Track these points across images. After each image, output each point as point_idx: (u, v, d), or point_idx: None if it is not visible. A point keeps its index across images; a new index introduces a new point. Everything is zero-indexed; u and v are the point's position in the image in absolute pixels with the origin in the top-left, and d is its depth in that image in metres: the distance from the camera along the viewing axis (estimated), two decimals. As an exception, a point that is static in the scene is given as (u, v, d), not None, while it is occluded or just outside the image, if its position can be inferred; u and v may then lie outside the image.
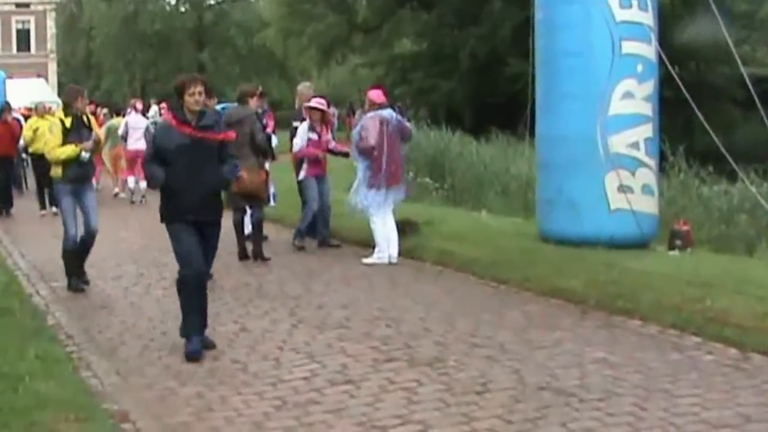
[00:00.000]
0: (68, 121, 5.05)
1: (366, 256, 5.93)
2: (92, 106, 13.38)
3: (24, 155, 12.21)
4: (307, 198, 6.47)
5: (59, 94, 25.55)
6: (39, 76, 27.56)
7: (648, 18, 5.81)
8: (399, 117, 6.20)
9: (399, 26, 21.14)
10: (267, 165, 6.34)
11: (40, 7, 36.94)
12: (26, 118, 13.62)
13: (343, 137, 14.66)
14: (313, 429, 2.93)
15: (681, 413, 2.97)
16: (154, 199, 11.67)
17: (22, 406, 2.98)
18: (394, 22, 20.97)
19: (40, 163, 9.53)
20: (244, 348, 3.84)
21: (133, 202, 10.43)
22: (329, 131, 6.58)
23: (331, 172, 7.28)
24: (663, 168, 6.87)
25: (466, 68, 18.75)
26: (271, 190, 6.63)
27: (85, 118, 5.16)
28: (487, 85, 17.93)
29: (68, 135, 5.02)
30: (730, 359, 3.58)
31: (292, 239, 6.55)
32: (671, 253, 5.60)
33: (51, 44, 36.76)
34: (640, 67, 5.69)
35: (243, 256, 6.15)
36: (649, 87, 5.76)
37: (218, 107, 6.25)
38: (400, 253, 5.91)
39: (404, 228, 6.18)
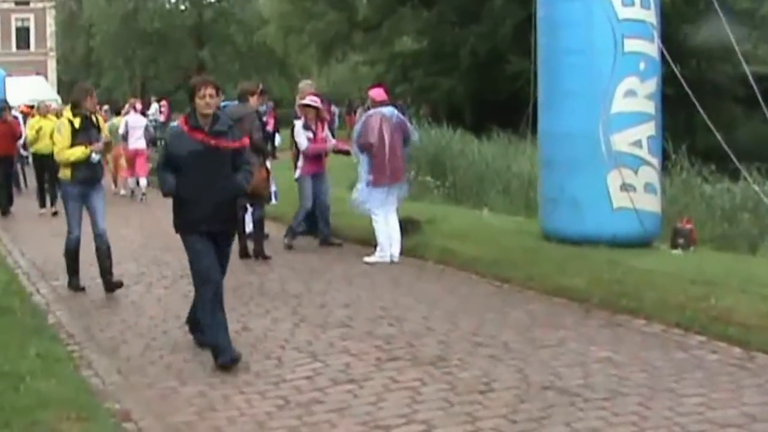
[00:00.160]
0: (77, 122, 4.93)
1: (368, 255, 5.91)
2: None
3: (23, 152, 12.19)
4: (300, 196, 6.45)
5: (59, 92, 25.57)
6: (38, 73, 27.53)
7: (650, 16, 5.79)
8: (400, 115, 6.18)
9: (399, 24, 21.08)
10: (268, 163, 6.32)
11: (40, 5, 36.87)
12: (26, 115, 13.62)
13: (343, 135, 14.65)
14: (316, 428, 2.92)
15: (686, 412, 2.96)
16: (154, 197, 11.71)
17: (23, 406, 2.97)
18: (395, 19, 20.91)
19: (42, 162, 9.54)
20: (246, 347, 3.82)
21: (132, 199, 10.41)
22: (324, 129, 6.55)
23: (332, 170, 7.26)
24: (665, 166, 6.84)
25: (467, 66, 18.71)
26: (273, 188, 6.60)
27: (93, 118, 5.05)
28: (487, 83, 17.89)
29: (77, 135, 4.91)
30: (734, 358, 3.56)
31: (283, 236, 6.53)
32: (674, 251, 5.58)
33: (50, 42, 36.70)
34: (642, 65, 5.66)
35: (244, 254, 6.13)
36: (652, 85, 5.74)
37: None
38: (401, 252, 5.89)
39: (406, 226, 6.16)
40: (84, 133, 4.92)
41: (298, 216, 6.49)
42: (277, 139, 6.94)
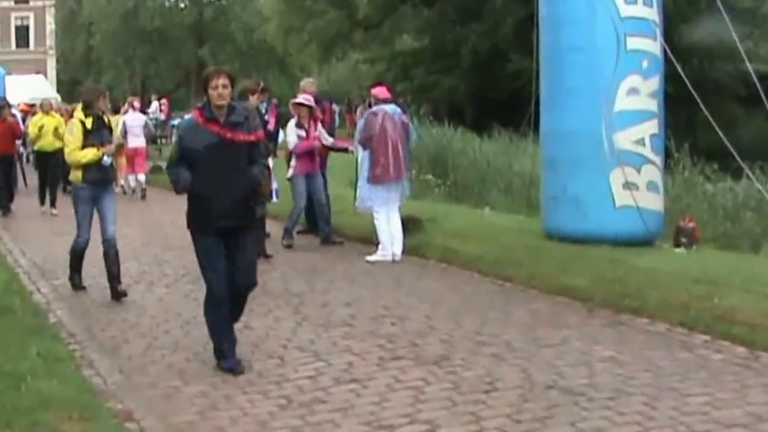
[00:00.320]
0: (89, 122, 4.79)
1: (369, 254, 5.89)
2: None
3: (23, 150, 12.15)
4: (293, 196, 6.43)
5: (58, 91, 25.53)
6: (38, 72, 27.49)
7: (653, 14, 5.77)
8: (402, 114, 6.16)
9: (400, 22, 21.04)
10: (270, 161, 6.29)
11: (39, 3, 36.83)
12: (25, 114, 13.59)
13: (343, 134, 14.63)
14: (320, 428, 2.90)
15: (691, 412, 2.94)
16: (154, 195, 11.68)
17: (24, 405, 2.95)
18: (395, 18, 20.88)
19: (44, 159, 9.51)
20: (248, 346, 3.80)
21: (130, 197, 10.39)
22: (317, 128, 6.52)
23: (333, 168, 7.25)
24: (668, 165, 6.83)
25: (468, 64, 18.68)
26: (274, 186, 6.58)
27: (105, 119, 4.93)
28: (488, 82, 17.87)
29: (89, 136, 4.77)
30: (739, 358, 3.55)
31: (281, 239, 6.51)
32: (677, 250, 5.57)
33: (50, 40, 36.66)
34: (645, 63, 5.64)
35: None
36: (655, 83, 5.72)
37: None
38: (403, 251, 5.87)
39: (408, 225, 6.15)
40: (96, 133, 4.80)
41: (293, 216, 6.47)
42: (280, 136, 6.91)
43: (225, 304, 3.51)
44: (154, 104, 21.59)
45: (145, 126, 10.88)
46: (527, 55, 7.21)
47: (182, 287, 5.20)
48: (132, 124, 10.47)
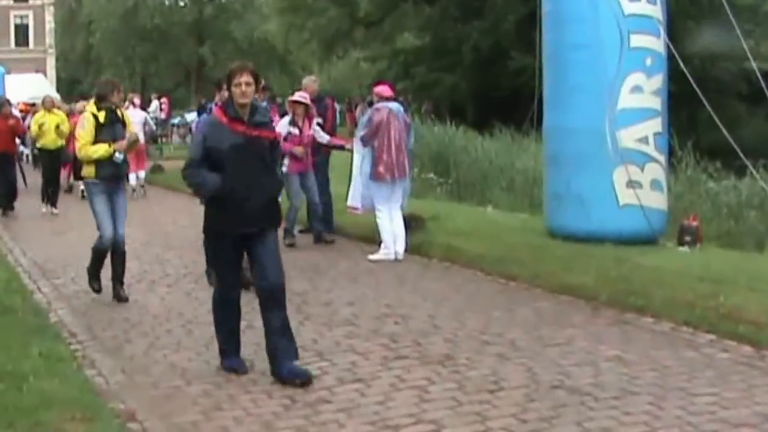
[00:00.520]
0: (102, 116, 4.60)
1: (372, 253, 5.87)
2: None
3: (23, 149, 12.10)
4: (288, 195, 6.40)
5: (58, 90, 25.49)
6: (37, 71, 27.45)
7: (656, 11, 5.75)
8: (404, 112, 6.15)
9: (401, 20, 21.01)
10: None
11: (39, 2, 36.80)
12: (24, 113, 13.55)
13: (343, 133, 14.60)
14: (324, 428, 2.88)
15: (698, 412, 2.92)
16: (154, 194, 11.60)
17: (26, 405, 2.92)
18: (397, 15, 20.85)
19: (46, 158, 9.46)
20: (251, 345, 3.77)
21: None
22: (311, 126, 6.49)
23: (335, 167, 7.22)
24: (671, 163, 6.80)
25: (469, 62, 18.66)
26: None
27: (119, 113, 4.74)
28: (490, 80, 17.85)
29: (101, 131, 4.58)
30: (744, 357, 3.53)
31: (282, 238, 6.48)
32: (681, 249, 5.55)
33: (50, 39, 36.63)
34: (648, 61, 5.62)
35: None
36: (658, 81, 5.70)
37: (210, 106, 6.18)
38: (406, 249, 5.85)
39: (410, 223, 6.13)
40: (109, 128, 4.61)
41: (289, 216, 6.44)
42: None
43: (235, 306, 3.44)
44: (155, 103, 21.56)
45: (145, 123, 10.84)
46: (528, 53, 7.19)
47: (184, 286, 5.18)
48: (132, 121, 10.42)
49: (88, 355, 3.76)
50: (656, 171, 5.68)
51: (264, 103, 6.91)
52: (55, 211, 9.08)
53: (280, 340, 3.26)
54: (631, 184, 5.52)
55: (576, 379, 3.25)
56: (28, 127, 10.62)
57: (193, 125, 24.33)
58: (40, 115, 9.65)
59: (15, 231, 8.01)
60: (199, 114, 22.22)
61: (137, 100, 11.58)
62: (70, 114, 10.27)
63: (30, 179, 10.92)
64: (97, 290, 4.83)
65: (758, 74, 5.95)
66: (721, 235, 6.53)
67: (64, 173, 10.27)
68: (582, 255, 5.15)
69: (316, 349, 3.73)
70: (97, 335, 4.12)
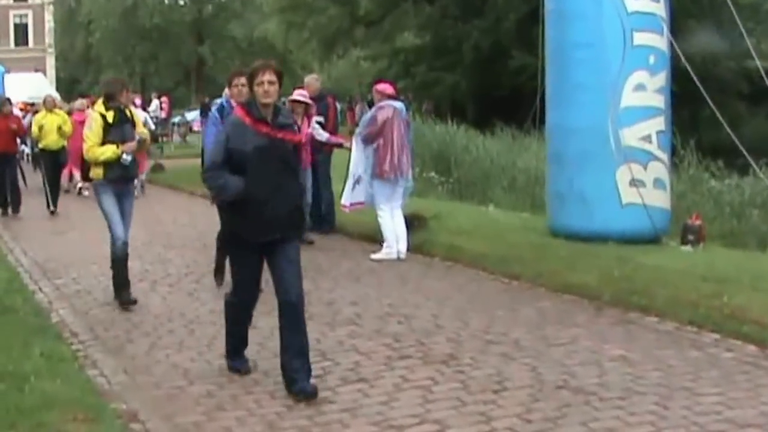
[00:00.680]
0: (110, 116, 4.44)
1: (374, 252, 5.85)
2: (89, 101, 13.28)
3: (23, 147, 12.04)
4: None
5: (58, 89, 25.45)
6: (37, 70, 27.41)
7: (660, 9, 5.72)
8: (406, 111, 6.13)
9: (401, 19, 20.98)
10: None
11: (38, 1, 36.73)
12: (24, 113, 13.50)
13: (344, 132, 14.56)
14: (328, 429, 2.86)
15: (704, 412, 2.90)
16: (155, 192, 11.55)
17: (28, 406, 2.91)
18: (397, 14, 20.82)
19: (47, 158, 9.41)
20: (254, 345, 3.74)
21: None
22: (310, 125, 6.47)
23: (336, 166, 7.19)
24: (673, 162, 6.78)
25: (470, 61, 18.63)
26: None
27: (128, 112, 4.56)
28: (490, 78, 17.82)
29: (110, 131, 4.43)
30: (749, 356, 3.51)
31: None
32: (684, 248, 5.53)
33: (49, 38, 36.60)
34: (652, 59, 5.60)
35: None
36: (661, 79, 5.67)
37: (218, 102, 6.16)
38: (408, 249, 5.83)
39: (412, 222, 6.10)
40: (118, 128, 4.45)
41: None
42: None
43: (249, 311, 3.35)
44: (155, 102, 21.56)
45: (145, 123, 10.79)
46: (529, 52, 7.17)
47: (186, 286, 5.16)
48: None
49: (89, 355, 3.74)
50: (659, 170, 5.66)
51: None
52: (55, 210, 9.05)
53: (295, 361, 3.12)
54: (634, 182, 5.50)
55: (580, 378, 3.24)
56: (29, 126, 10.58)
57: (194, 124, 24.38)
58: (41, 116, 9.60)
59: (15, 231, 7.99)
60: (202, 113, 22.25)
61: (138, 100, 11.55)
62: (69, 113, 10.24)
63: (30, 180, 10.88)
64: (129, 302, 4.54)
65: (762, 72, 5.91)
66: (724, 234, 6.51)
67: (64, 173, 10.25)
68: (585, 254, 5.13)
69: (319, 349, 3.71)
70: (99, 335, 4.10)
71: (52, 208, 8.94)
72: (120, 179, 4.54)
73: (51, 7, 35.29)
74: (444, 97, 18.89)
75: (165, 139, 19.75)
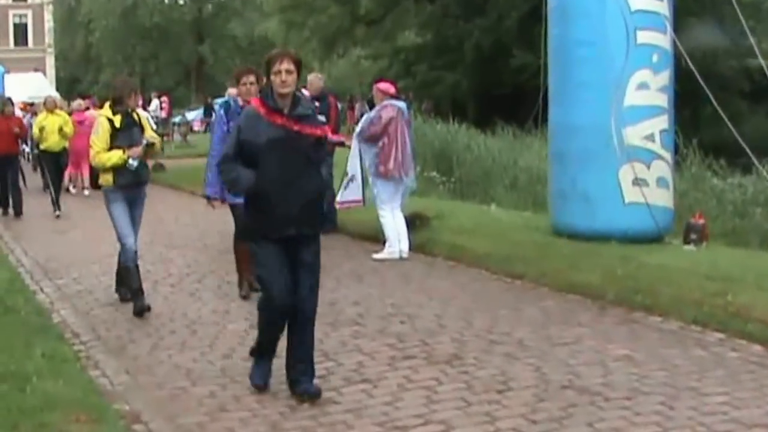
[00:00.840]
0: (118, 120, 4.31)
1: (376, 252, 5.84)
2: (89, 101, 13.25)
3: (24, 147, 12.00)
4: None
5: (57, 89, 25.42)
6: (36, 70, 27.39)
7: (663, 7, 5.70)
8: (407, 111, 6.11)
9: (402, 18, 20.97)
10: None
11: (38, 0, 36.70)
12: (24, 113, 13.47)
13: (344, 131, 14.53)
14: (332, 429, 2.84)
15: (710, 412, 2.89)
16: (156, 192, 11.57)
17: (30, 407, 2.89)
18: (398, 13, 20.80)
19: (48, 160, 9.37)
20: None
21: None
22: None
23: (338, 165, 7.17)
24: (676, 161, 6.76)
25: (471, 60, 18.61)
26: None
27: (136, 116, 4.43)
28: (492, 77, 17.80)
29: (117, 136, 4.29)
30: (755, 356, 3.50)
31: None
32: (687, 247, 5.51)
33: (49, 38, 36.57)
34: (655, 57, 5.57)
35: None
36: (665, 78, 5.65)
37: (218, 101, 6.14)
38: (411, 248, 5.81)
39: (414, 221, 6.08)
40: (126, 133, 4.32)
41: None
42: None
43: (284, 316, 3.04)
44: (155, 102, 21.54)
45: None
46: (531, 50, 7.16)
47: (187, 286, 5.14)
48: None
49: (91, 355, 3.72)
50: (662, 168, 5.64)
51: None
52: (57, 212, 9.02)
53: (299, 363, 3.08)
54: (637, 181, 5.47)
55: (585, 378, 3.22)
56: (29, 126, 10.55)
57: (195, 124, 24.28)
58: (42, 117, 9.55)
59: (16, 231, 7.97)
60: (206, 112, 22.17)
61: (139, 100, 11.48)
62: (71, 114, 10.21)
63: (30, 180, 10.87)
64: (144, 309, 4.36)
65: (765, 70, 5.89)
66: (727, 232, 6.49)
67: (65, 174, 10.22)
68: (588, 253, 5.11)
69: (322, 350, 3.69)
70: (101, 335, 4.08)
71: (57, 212, 8.87)
72: (131, 185, 4.39)
73: (50, 7, 35.28)
74: (445, 96, 18.88)
75: (166, 138, 19.73)
